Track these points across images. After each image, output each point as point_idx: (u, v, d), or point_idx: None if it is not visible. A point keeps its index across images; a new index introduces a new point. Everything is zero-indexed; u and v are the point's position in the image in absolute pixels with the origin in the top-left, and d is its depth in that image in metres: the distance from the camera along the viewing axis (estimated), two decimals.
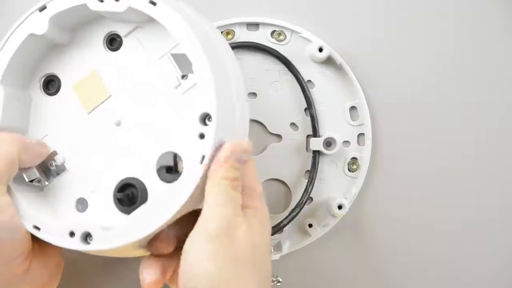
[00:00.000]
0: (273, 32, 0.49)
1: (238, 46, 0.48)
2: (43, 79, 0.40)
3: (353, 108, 0.49)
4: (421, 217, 0.49)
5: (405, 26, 0.49)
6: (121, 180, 0.37)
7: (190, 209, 0.35)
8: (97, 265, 0.49)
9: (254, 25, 0.49)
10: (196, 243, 0.31)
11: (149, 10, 0.35)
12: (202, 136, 0.34)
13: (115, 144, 0.38)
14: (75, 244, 0.35)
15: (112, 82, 0.39)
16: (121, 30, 0.39)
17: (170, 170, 0.37)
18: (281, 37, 0.49)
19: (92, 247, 0.34)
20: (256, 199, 0.35)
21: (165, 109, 0.38)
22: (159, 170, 0.37)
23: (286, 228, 0.47)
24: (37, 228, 0.35)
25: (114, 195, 0.37)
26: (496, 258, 0.49)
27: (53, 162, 0.38)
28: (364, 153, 0.48)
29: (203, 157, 0.33)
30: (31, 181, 0.38)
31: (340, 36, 0.49)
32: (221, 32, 0.48)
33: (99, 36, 0.39)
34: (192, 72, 0.36)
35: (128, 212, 0.36)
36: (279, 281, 0.45)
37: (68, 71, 0.39)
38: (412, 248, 0.49)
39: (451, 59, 0.49)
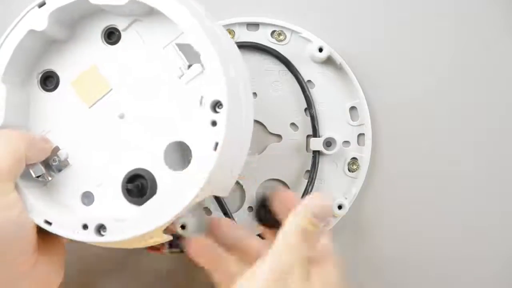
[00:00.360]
0: (273, 32, 0.49)
1: (238, 46, 0.47)
2: (40, 75, 0.40)
3: (353, 108, 0.49)
4: (421, 217, 0.49)
5: (405, 26, 0.49)
6: (129, 172, 0.37)
7: (208, 195, 0.35)
8: (100, 260, 0.49)
9: (254, 25, 0.49)
10: (249, 281, 0.32)
11: (152, 1, 0.35)
12: (214, 123, 0.34)
13: (119, 136, 0.38)
14: (89, 237, 0.35)
15: (112, 75, 0.39)
16: (119, 24, 0.39)
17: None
18: (281, 37, 0.49)
19: (106, 239, 0.35)
20: (328, 262, 0.35)
21: (169, 100, 0.38)
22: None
23: None
24: (48, 223, 0.35)
25: (123, 187, 0.37)
26: (496, 258, 0.49)
27: (55, 157, 0.38)
28: (364, 153, 0.48)
29: (217, 144, 0.33)
30: (37, 177, 0.38)
31: (340, 36, 0.49)
32: None
33: (96, 31, 0.39)
34: (197, 62, 0.36)
35: (138, 203, 0.36)
36: None
37: (66, 67, 0.39)
38: (412, 248, 0.49)
39: (451, 59, 0.49)
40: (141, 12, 0.38)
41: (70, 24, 0.39)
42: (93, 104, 0.39)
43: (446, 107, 0.49)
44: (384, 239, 0.49)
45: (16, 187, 0.35)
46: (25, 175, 0.37)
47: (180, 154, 0.39)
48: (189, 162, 0.35)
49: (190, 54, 0.36)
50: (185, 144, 0.37)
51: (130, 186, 0.37)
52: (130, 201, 0.37)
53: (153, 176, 0.37)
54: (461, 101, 0.49)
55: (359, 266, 0.49)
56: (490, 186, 0.49)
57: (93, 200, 0.38)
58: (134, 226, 0.34)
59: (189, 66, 0.37)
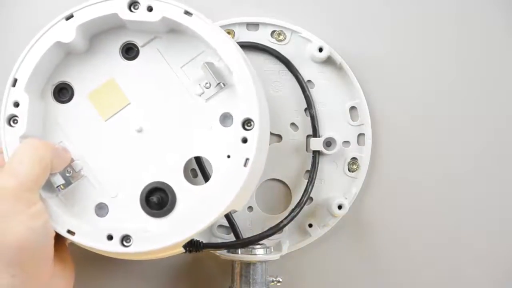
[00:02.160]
0: (273, 32, 0.49)
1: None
2: (54, 86, 0.40)
3: (353, 108, 0.49)
4: (421, 217, 0.49)
5: (405, 26, 0.49)
6: (149, 184, 0.38)
7: (230, 209, 0.36)
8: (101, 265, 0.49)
9: (254, 25, 0.49)
10: None
11: (184, 20, 0.36)
12: (245, 140, 0.35)
13: (137, 150, 0.39)
14: (115, 247, 0.36)
15: (130, 90, 0.39)
16: (138, 40, 0.39)
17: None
18: (281, 37, 0.49)
19: (131, 250, 0.35)
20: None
21: (188, 116, 0.39)
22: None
23: (286, 228, 0.47)
24: (71, 232, 0.36)
25: (143, 199, 0.38)
26: (496, 257, 0.49)
27: (69, 168, 0.39)
28: (364, 153, 0.48)
29: (247, 160, 0.35)
30: (57, 187, 0.38)
31: (340, 36, 0.49)
32: None
33: (115, 45, 0.40)
34: (219, 80, 0.37)
35: (156, 215, 0.38)
36: (279, 281, 0.45)
37: (82, 79, 0.40)
38: (412, 248, 0.49)
39: (451, 59, 0.49)
40: (162, 30, 0.38)
41: (90, 37, 0.40)
42: (110, 117, 0.39)
43: (446, 106, 0.49)
44: (384, 239, 0.49)
45: (40, 196, 0.35)
46: (46, 185, 0.37)
47: (199, 169, 0.42)
48: (209, 177, 0.36)
49: (215, 73, 0.38)
50: (204, 159, 0.38)
51: (153, 198, 0.38)
52: (148, 213, 0.38)
53: (173, 190, 0.38)
54: (461, 101, 0.49)
55: (359, 266, 0.49)
56: (490, 185, 0.49)
57: (107, 212, 0.39)
58: (160, 238, 0.35)
59: (206, 84, 0.38)
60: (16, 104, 0.37)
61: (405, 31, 0.49)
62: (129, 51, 0.40)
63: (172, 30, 0.38)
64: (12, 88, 0.37)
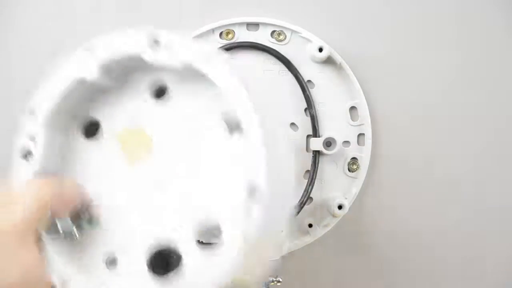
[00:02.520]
0: (273, 32, 0.49)
1: (238, 46, 0.48)
2: (83, 123, 0.38)
3: (353, 108, 0.49)
4: (421, 217, 0.49)
5: (405, 26, 0.49)
6: (156, 245, 0.35)
7: (249, 271, 0.33)
8: None
9: (254, 25, 0.49)
10: None
11: (204, 67, 0.33)
12: (249, 211, 0.30)
13: (152, 203, 0.36)
14: None
15: (156, 135, 0.36)
16: (168, 81, 0.37)
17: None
18: (281, 37, 0.49)
19: None
20: None
21: (209, 170, 0.35)
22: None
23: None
24: (66, 284, 0.34)
25: (147, 260, 0.35)
26: (496, 257, 0.49)
27: (86, 213, 0.36)
28: (364, 153, 0.48)
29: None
30: (64, 233, 0.35)
31: (340, 36, 0.49)
32: (221, 32, 0.48)
33: (144, 85, 0.37)
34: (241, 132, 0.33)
35: (161, 279, 0.34)
36: (279, 281, 0.45)
37: (109, 117, 0.37)
38: (411, 248, 0.49)
39: (451, 59, 0.49)
40: (192, 74, 0.35)
41: (119, 75, 0.37)
42: (133, 163, 0.36)
43: (446, 106, 0.49)
44: (384, 239, 0.49)
45: (40, 240, 0.33)
46: (52, 230, 0.35)
47: (211, 233, 0.36)
48: (220, 243, 0.32)
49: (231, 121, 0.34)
50: (217, 224, 0.34)
51: (154, 262, 0.35)
52: (154, 274, 0.35)
53: (180, 254, 0.35)
54: (461, 101, 0.49)
55: (359, 266, 0.49)
56: (490, 185, 0.49)
57: (116, 266, 0.36)
58: None
59: (233, 138, 0.34)
60: (32, 138, 0.35)
61: (405, 31, 0.49)
62: (159, 92, 0.37)
63: (204, 75, 0.35)
64: (29, 120, 0.36)
